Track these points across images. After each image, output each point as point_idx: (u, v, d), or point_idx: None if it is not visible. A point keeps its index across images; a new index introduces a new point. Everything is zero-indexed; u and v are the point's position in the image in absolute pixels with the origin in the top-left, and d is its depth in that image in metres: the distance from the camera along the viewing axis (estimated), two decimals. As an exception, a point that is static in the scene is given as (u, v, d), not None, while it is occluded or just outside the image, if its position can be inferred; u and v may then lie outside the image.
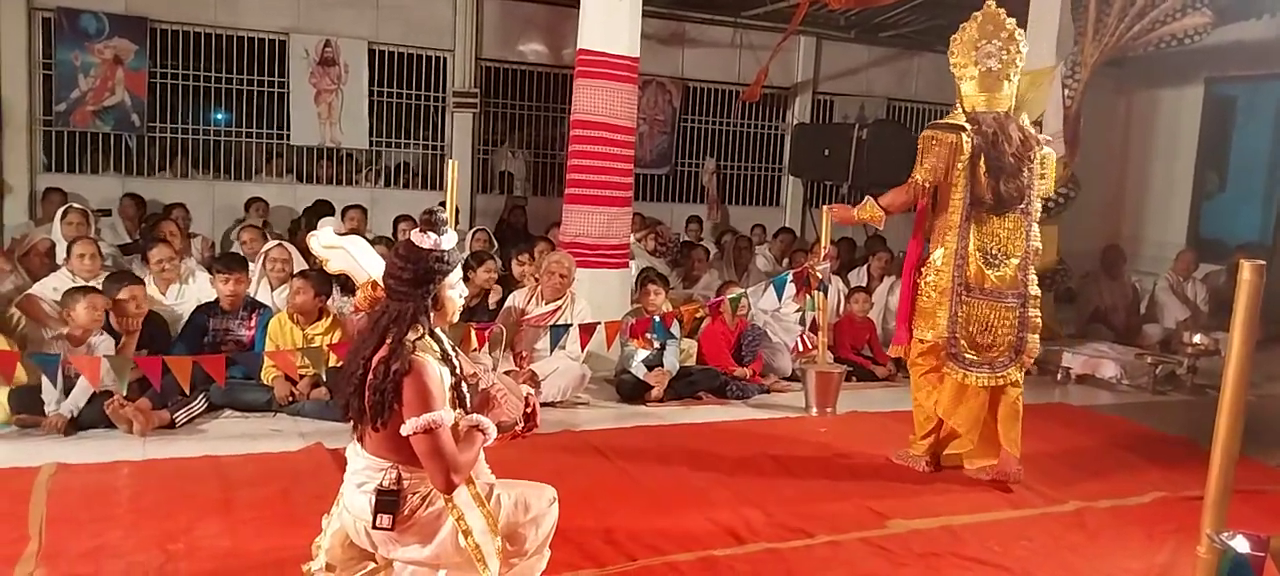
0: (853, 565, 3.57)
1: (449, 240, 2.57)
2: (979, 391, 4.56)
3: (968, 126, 4.44)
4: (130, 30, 8.54)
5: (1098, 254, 9.12)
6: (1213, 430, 2.44)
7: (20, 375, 4.53)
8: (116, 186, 8.66)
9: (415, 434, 2.40)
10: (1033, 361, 4.67)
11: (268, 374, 5.12)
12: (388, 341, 2.48)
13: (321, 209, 8.62)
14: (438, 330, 2.61)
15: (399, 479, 2.51)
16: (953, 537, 3.88)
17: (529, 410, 2.79)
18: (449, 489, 2.45)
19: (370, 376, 2.46)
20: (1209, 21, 7.31)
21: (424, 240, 2.52)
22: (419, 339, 2.52)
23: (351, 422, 2.60)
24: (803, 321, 6.66)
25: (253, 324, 5.39)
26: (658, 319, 5.82)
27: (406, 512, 2.52)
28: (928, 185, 4.51)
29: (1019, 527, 4.05)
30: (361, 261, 2.75)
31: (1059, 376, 7.19)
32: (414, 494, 2.53)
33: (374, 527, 2.51)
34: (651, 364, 5.84)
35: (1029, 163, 4.46)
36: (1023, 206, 4.49)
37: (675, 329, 5.94)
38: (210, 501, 3.79)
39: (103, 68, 8.48)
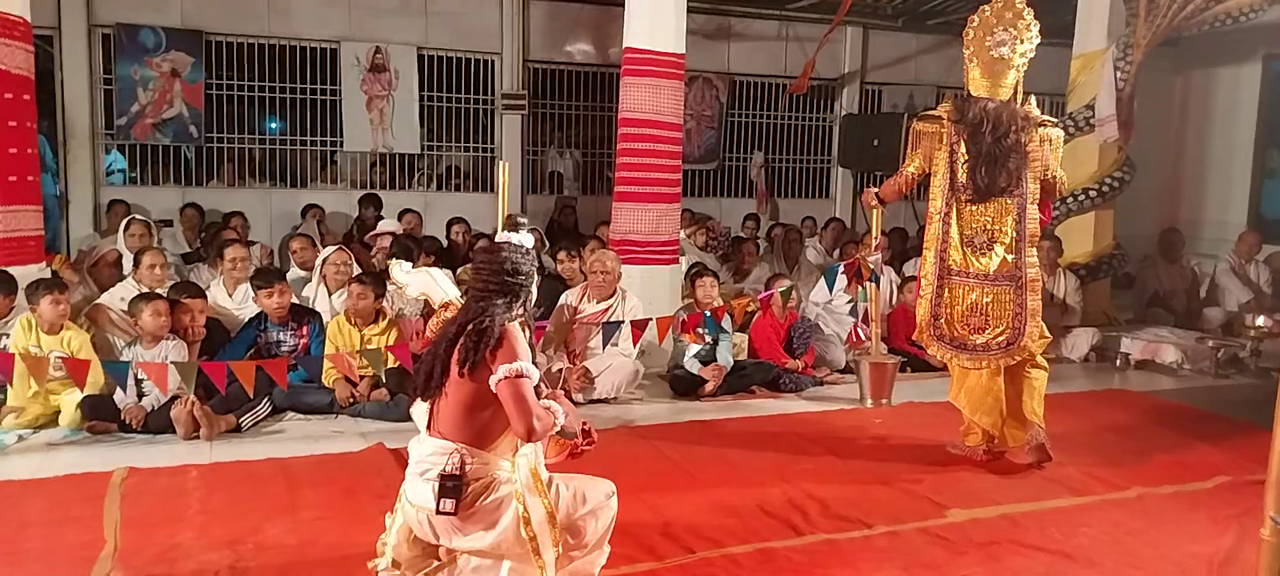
0: (912, 555, 3.55)
1: (527, 239, 2.83)
2: (979, 375, 4.55)
3: (945, 117, 4.58)
4: (187, 43, 8.76)
5: (1155, 238, 8.93)
6: (1276, 412, 2.41)
7: (93, 381, 4.69)
8: (176, 197, 8.90)
9: (505, 380, 2.53)
10: (1033, 351, 4.56)
11: (328, 376, 5.23)
12: (478, 316, 2.65)
13: (371, 200, 8.86)
14: (521, 321, 2.77)
15: (462, 464, 2.59)
16: (1012, 526, 3.85)
17: (587, 428, 2.94)
18: (530, 436, 2.55)
19: (462, 338, 2.63)
20: (1265, -1, 7.12)
21: (510, 238, 2.79)
22: (511, 317, 2.70)
23: (425, 398, 2.72)
24: (854, 313, 6.63)
25: (304, 333, 5.47)
26: (709, 313, 5.83)
27: (469, 499, 2.59)
28: (916, 174, 4.72)
29: (1080, 515, 4.00)
30: (440, 284, 2.94)
31: (1118, 362, 7.08)
32: (477, 480, 2.61)
33: (437, 513, 2.58)
34: (705, 359, 5.86)
35: (1019, 149, 4.43)
36: (1014, 192, 4.46)
37: (727, 323, 5.95)
38: (276, 502, 3.90)
39: (161, 81, 8.71)
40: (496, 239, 2.83)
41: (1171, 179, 11.25)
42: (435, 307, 2.97)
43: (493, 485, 2.62)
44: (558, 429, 2.71)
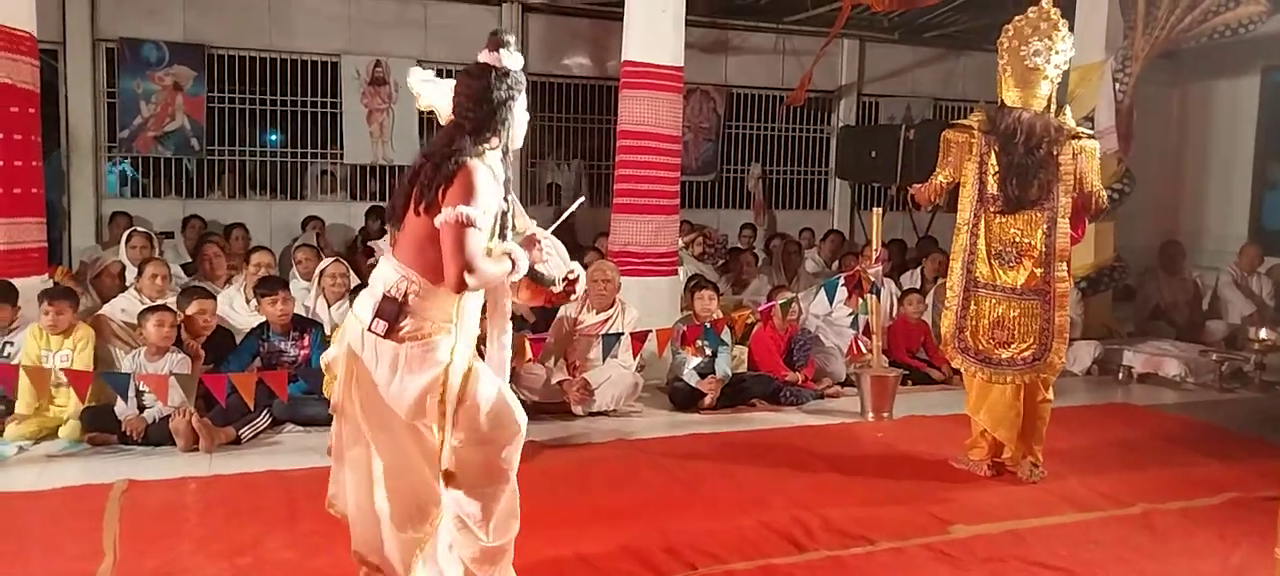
0: (916, 571, 3.53)
1: (514, 60, 2.69)
2: (1002, 389, 4.51)
3: (977, 126, 4.52)
4: (189, 57, 8.78)
5: (1156, 249, 8.92)
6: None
7: (94, 392, 4.69)
8: (178, 209, 8.91)
9: (446, 223, 2.49)
10: (1057, 370, 4.56)
11: (329, 387, 5.19)
12: (448, 148, 2.59)
13: (377, 212, 8.81)
14: (500, 161, 2.70)
15: (406, 295, 2.60)
16: (1018, 542, 3.82)
17: (571, 278, 2.88)
18: (458, 286, 2.52)
19: (423, 170, 2.59)
20: (1264, 10, 7.12)
21: (490, 58, 2.67)
22: (479, 152, 2.62)
23: (392, 226, 2.74)
24: (855, 325, 6.62)
25: (305, 343, 5.44)
26: (708, 325, 5.82)
27: (400, 327, 2.60)
28: (946, 183, 4.64)
29: (1085, 531, 3.97)
30: (443, 104, 2.84)
31: (1120, 375, 7.06)
32: (415, 315, 2.61)
33: (368, 330, 2.61)
34: (704, 371, 5.84)
35: (1051, 160, 4.39)
36: (1044, 205, 4.42)
37: (726, 335, 5.94)
38: (276, 515, 3.88)
39: (163, 94, 8.73)
40: (480, 58, 2.70)
41: (1171, 191, 11.23)
42: (442, 123, 2.89)
43: (430, 338, 2.62)
44: (514, 277, 2.68)
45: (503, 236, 2.71)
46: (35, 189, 5.50)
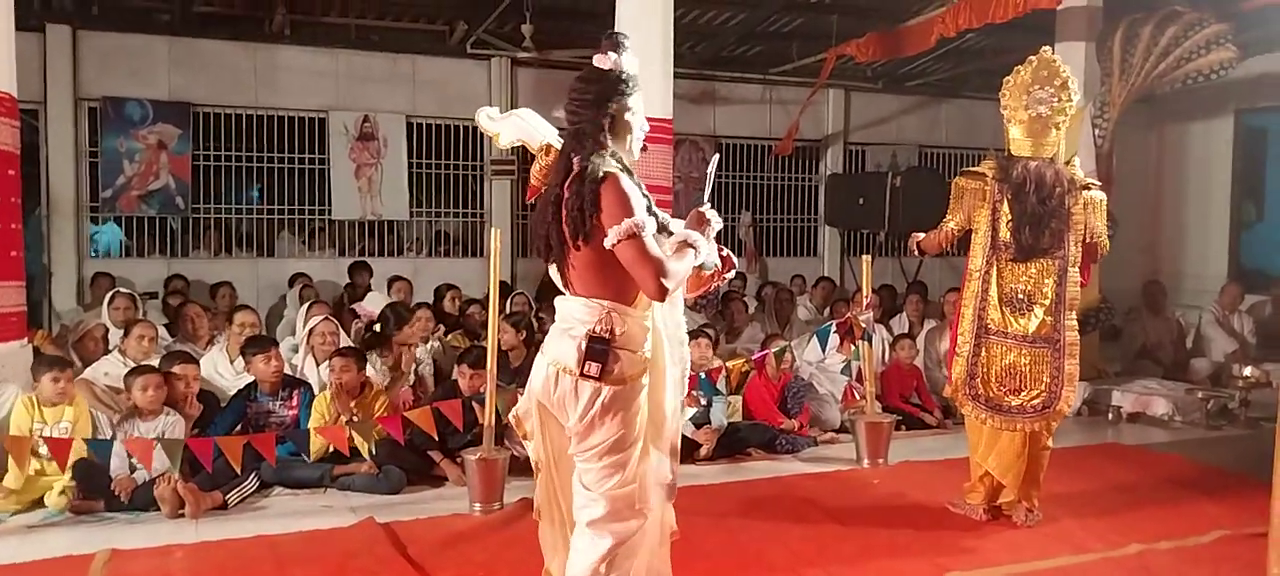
0: (918, 621, 3.50)
1: (630, 62, 2.59)
2: (1012, 436, 4.49)
3: (990, 175, 4.51)
4: (174, 115, 8.79)
5: (1139, 290, 9.01)
6: (1272, 464, 2.40)
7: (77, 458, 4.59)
8: (162, 268, 8.85)
9: (619, 242, 2.35)
10: (1064, 416, 4.56)
11: (316, 449, 5.10)
12: (575, 164, 2.46)
13: (362, 268, 8.81)
14: (623, 156, 2.57)
15: (612, 326, 2.46)
16: (1018, 588, 3.80)
17: (724, 255, 2.76)
18: (661, 293, 2.39)
19: (565, 198, 2.44)
20: (1235, 56, 7.28)
21: (605, 61, 2.56)
22: (609, 159, 2.50)
23: (550, 263, 2.57)
24: (847, 371, 6.61)
25: (294, 403, 5.37)
26: (703, 375, 5.80)
27: (614, 369, 2.46)
28: (957, 230, 4.63)
29: (1081, 573, 3.97)
30: (534, 127, 2.77)
31: (1110, 415, 7.07)
32: (623, 348, 2.48)
33: (582, 376, 2.45)
34: (699, 421, 5.82)
35: (1062, 210, 4.41)
36: (1055, 253, 4.43)
37: (721, 384, 5.92)
38: (266, 581, 3.80)
39: (147, 153, 8.72)
40: (593, 62, 2.57)
41: (1152, 232, 11.39)
42: (535, 151, 2.74)
43: (633, 391, 2.50)
44: (699, 260, 2.53)
45: (661, 229, 2.57)
46: (14, 252, 5.45)
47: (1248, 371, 7.22)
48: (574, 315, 2.53)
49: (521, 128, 2.76)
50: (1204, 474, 5.53)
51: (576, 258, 2.51)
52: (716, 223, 2.70)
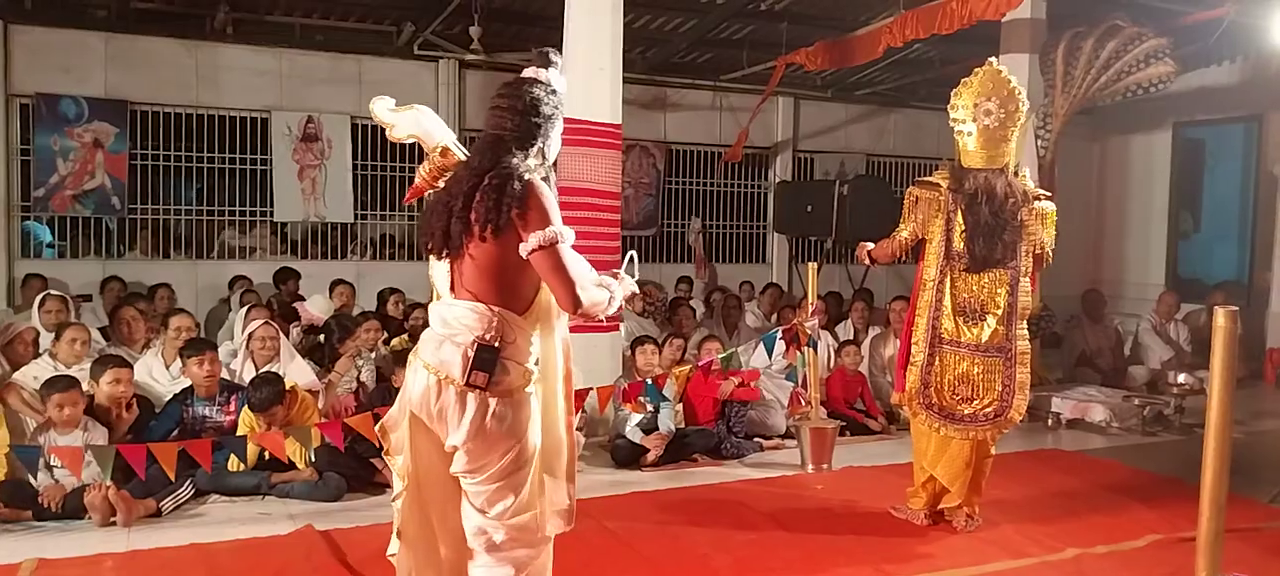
0: (859, 627, 3.51)
1: (560, 80, 2.55)
2: (961, 444, 4.54)
3: (943, 184, 4.53)
4: (110, 113, 8.56)
5: (1079, 298, 9.19)
6: (1202, 472, 2.44)
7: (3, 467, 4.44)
8: (97, 270, 8.61)
9: (539, 248, 2.29)
10: (1014, 424, 4.62)
11: (253, 456, 4.97)
12: (506, 162, 2.39)
13: (288, 274, 8.59)
14: (543, 168, 2.52)
15: (500, 334, 2.38)
16: (957, 593, 3.84)
17: (646, 292, 2.76)
18: (576, 305, 2.33)
19: (480, 191, 2.35)
20: (1172, 70, 7.48)
21: (535, 73, 2.52)
22: (532, 167, 2.44)
23: (442, 258, 2.46)
24: (792, 377, 6.64)
25: (232, 409, 5.24)
26: (650, 381, 5.79)
27: (502, 381, 2.39)
28: (909, 239, 4.64)
29: (1021, 579, 4.02)
30: (431, 126, 2.69)
31: (1049, 421, 7.19)
32: (510, 359, 2.40)
33: (467, 385, 2.36)
34: (647, 427, 5.80)
35: (1015, 221, 4.46)
36: (1008, 264, 4.48)
37: (668, 390, 5.91)
38: (200, 591, 3.71)
39: (82, 151, 8.47)
40: (523, 73, 2.51)
41: (1093, 241, 11.66)
42: (428, 150, 2.64)
43: (519, 402, 2.43)
44: (609, 311, 2.50)
45: None
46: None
47: (1182, 378, 7.41)
48: (460, 320, 2.43)
49: (419, 124, 2.69)
50: (1139, 479, 5.65)
51: (476, 252, 2.41)
52: (630, 286, 2.70)
